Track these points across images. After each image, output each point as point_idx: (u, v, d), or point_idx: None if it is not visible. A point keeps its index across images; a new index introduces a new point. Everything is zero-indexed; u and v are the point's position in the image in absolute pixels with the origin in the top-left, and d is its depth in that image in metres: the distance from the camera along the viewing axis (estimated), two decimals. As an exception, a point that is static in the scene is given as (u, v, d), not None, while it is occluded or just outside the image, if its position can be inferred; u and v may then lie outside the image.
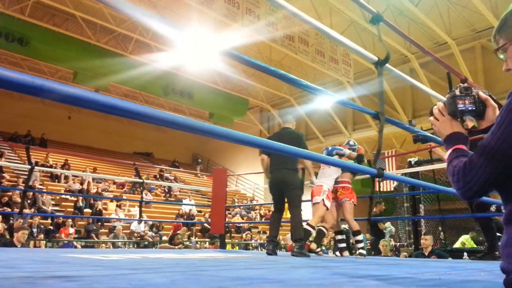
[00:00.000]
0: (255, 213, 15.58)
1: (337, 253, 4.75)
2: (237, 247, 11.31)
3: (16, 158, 14.42)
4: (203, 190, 14.60)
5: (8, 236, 8.02)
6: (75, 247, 8.89)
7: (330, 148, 4.60)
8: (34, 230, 8.95)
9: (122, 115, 1.21)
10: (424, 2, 10.96)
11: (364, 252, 4.40)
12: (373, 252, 7.10)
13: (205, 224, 11.61)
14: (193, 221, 12.14)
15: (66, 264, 2.17)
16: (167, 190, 15.71)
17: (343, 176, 4.51)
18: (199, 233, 12.62)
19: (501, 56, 1.03)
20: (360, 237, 4.39)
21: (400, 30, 2.50)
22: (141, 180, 6.00)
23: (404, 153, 12.42)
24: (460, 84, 1.10)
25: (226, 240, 7.64)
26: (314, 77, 15.68)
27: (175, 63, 14.61)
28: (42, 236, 9.03)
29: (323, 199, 4.20)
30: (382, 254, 6.47)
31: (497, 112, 1.08)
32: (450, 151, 1.03)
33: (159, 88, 14.16)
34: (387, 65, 2.41)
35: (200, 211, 14.27)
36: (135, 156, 19.73)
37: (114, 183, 14.59)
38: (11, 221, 8.83)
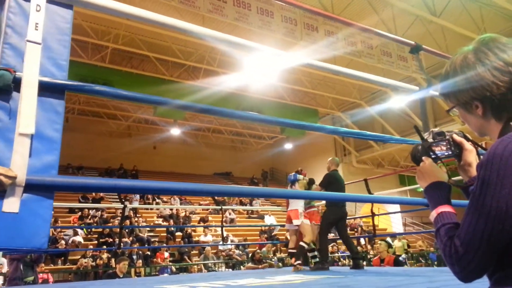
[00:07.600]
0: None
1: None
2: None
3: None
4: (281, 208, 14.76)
5: (112, 264, 8.97)
6: (171, 270, 9.70)
7: (292, 176, 5.52)
8: (134, 257, 9.83)
9: (176, 193, 1.46)
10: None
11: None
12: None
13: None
14: (274, 237, 12.37)
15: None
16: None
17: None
18: (284, 248, 12.76)
19: (456, 113, 0.95)
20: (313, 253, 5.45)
21: (439, 53, 2.45)
22: (219, 207, 6.44)
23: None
24: (432, 130, 1.03)
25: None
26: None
27: (242, 84, 15.16)
28: (141, 262, 9.88)
29: (302, 221, 5.16)
30: None
31: (474, 155, 0.99)
32: (435, 214, 0.89)
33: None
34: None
35: (283, 225, 14.41)
36: (216, 177, 20.66)
37: (200, 204, 15.43)
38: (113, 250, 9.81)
